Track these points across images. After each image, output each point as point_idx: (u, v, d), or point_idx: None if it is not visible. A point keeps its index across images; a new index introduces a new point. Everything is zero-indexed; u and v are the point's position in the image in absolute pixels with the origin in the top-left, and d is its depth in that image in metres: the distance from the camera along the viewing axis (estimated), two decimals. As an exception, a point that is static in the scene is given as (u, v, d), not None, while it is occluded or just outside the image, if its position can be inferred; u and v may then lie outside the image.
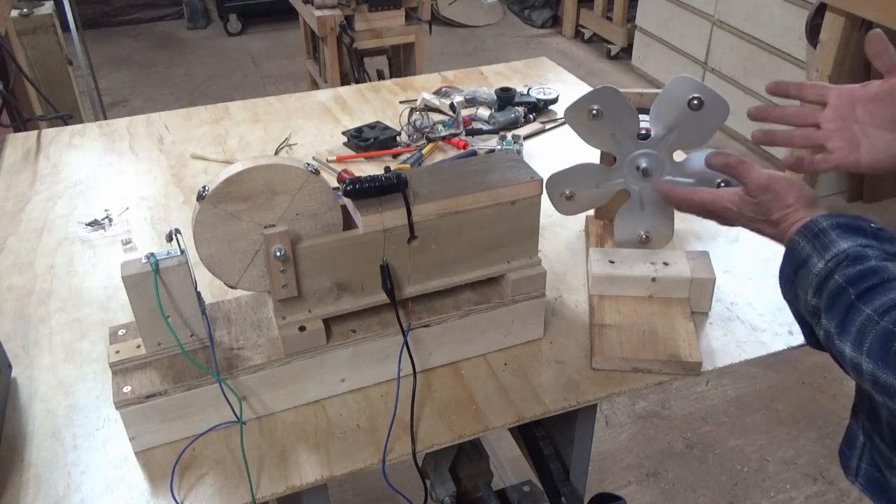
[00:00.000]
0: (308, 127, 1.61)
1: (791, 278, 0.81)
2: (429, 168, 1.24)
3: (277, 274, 0.85)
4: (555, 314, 1.08)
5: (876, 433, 0.90)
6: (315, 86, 3.52)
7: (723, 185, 1.07)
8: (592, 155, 1.16)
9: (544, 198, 0.98)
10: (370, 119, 1.60)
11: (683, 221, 1.23)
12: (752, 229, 0.92)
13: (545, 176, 1.02)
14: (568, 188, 1.14)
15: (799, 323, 0.86)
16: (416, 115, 1.57)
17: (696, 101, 1.01)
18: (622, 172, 1.11)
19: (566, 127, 1.50)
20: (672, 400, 2.35)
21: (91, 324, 1.08)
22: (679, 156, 1.10)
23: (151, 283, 0.81)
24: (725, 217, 0.95)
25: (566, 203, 1.15)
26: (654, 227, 1.15)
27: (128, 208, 1.35)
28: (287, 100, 1.74)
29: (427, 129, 1.53)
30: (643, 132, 1.07)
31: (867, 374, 0.71)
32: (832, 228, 0.78)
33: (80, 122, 2.28)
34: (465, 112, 1.62)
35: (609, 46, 4.75)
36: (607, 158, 1.15)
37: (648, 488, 2.06)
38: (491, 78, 1.83)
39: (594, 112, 1.05)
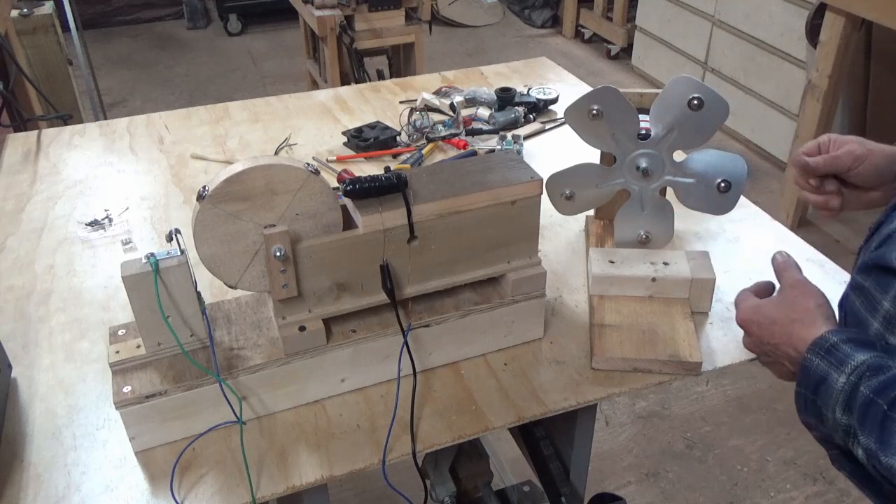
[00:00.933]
0: (308, 127, 1.61)
1: (811, 399, 0.79)
2: (429, 168, 1.24)
3: (277, 274, 0.85)
4: (555, 314, 1.08)
5: None
6: (315, 86, 3.52)
7: (723, 185, 1.07)
8: (592, 155, 1.16)
9: (544, 198, 0.98)
10: (370, 119, 1.60)
11: (684, 221, 1.23)
12: (768, 350, 0.88)
13: (545, 176, 1.02)
14: (568, 188, 1.14)
15: (824, 445, 0.83)
16: (416, 115, 1.57)
17: (696, 101, 1.01)
18: (622, 172, 1.11)
19: (566, 127, 1.50)
20: (672, 400, 2.35)
21: (91, 324, 1.08)
22: (679, 156, 1.11)
23: (151, 283, 0.81)
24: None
25: (566, 203, 1.15)
26: (654, 227, 1.15)
27: (128, 208, 1.35)
28: (287, 100, 1.74)
29: (427, 129, 1.53)
30: (643, 132, 1.07)
31: None
32: (843, 343, 0.77)
33: (80, 122, 2.29)
34: (465, 112, 1.62)
35: (609, 46, 4.76)
36: (607, 158, 1.15)
37: (648, 488, 2.06)
38: (491, 78, 1.83)
39: (594, 112, 1.05)
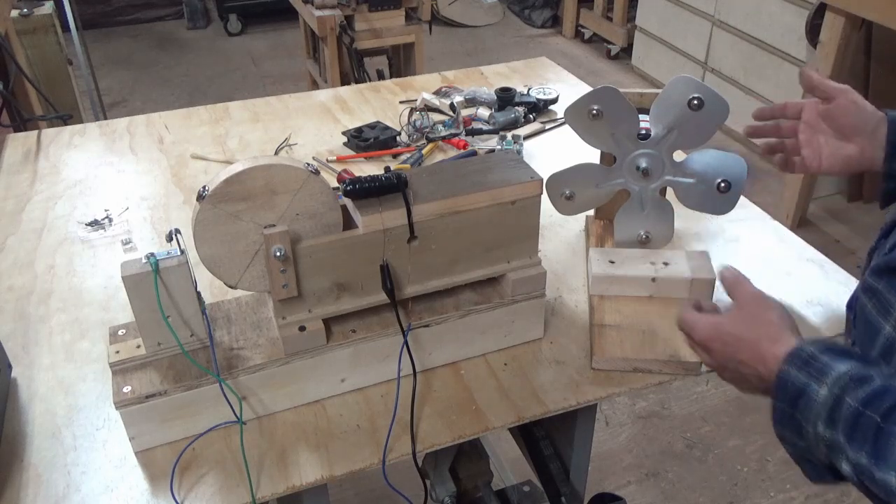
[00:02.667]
0: (308, 127, 1.61)
1: (788, 413, 0.75)
2: (429, 168, 1.24)
3: (277, 274, 0.85)
4: (555, 314, 1.08)
5: None
6: (315, 86, 3.52)
7: (723, 185, 1.07)
8: (592, 155, 1.16)
9: (544, 198, 0.98)
10: (370, 119, 1.60)
11: (684, 221, 1.23)
12: (733, 367, 0.84)
13: (545, 176, 1.02)
14: (568, 188, 1.14)
15: (797, 461, 0.79)
16: (416, 115, 1.57)
17: (696, 101, 1.01)
18: (622, 172, 1.11)
19: (566, 127, 1.50)
20: (672, 400, 2.35)
21: (91, 324, 1.08)
22: (679, 156, 1.10)
23: (151, 283, 0.81)
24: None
25: (566, 203, 1.15)
26: (654, 227, 1.15)
27: (128, 208, 1.35)
28: (287, 100, 1.74)
29: (427, 129, 1.53)
30: (643, 132, 1.07)
31: None
32: (821, 353, 0.74)
33: (80, 122, 2.28)
34: (465, 112, 1.62)
35: (609, 46, 4.75)
36: (607, 158, 1.15)
37: (648, 488, 2.06)
38: (491, 78, 1.83)
39: (594, 112, 1.05)
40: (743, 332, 0.82)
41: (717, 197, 1.09)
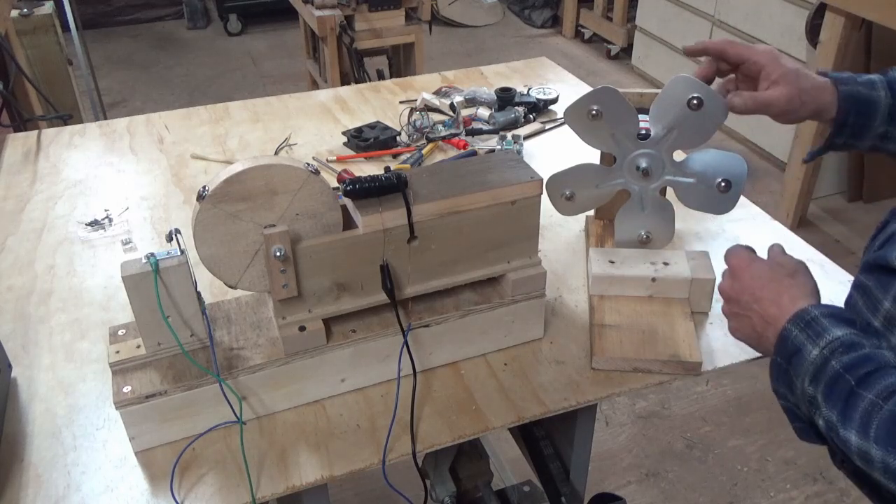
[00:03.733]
0: (308, 127, 1.61)
1: (784, 368, 0.81)
2: (429, 168, 1.24)
3: (277, 274, 0.85)
4: (555, 314, 1.08)
5: None
6: (315, 86, 3.52)
7: (723, 185, 1.07)
8: (592, 155, 1.16)
9: (544, 198, 0.98)
10: (370, 119, 1.60)
11: (684, 221, 1.23)
12: (747, 301, 0.89)
13: (545, 176, 1.02)
14: (568, 188, 1.14)
15: (789, 416, 0.85)
16: (416, 115, 1.57)
17: (695, 101, 1.01)
18: (622, 172, 1.11)
19: (566, 127, 1.50)
20: (672, 400, 2.35)
21: (91, 324, 1.08)
22: (679, 156, 1.10)
23: (151, 283, 0.81)
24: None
25: (566, 203, 1.15)
26: (655, 227, 1.15)
27: (128, 208, 1.35)
28: (287, 100, 1.74)
29: (427, 129, 1.53)
30: (643, 132, 1.07)
31: (877, 462, 0.70)
32: (824, 317, 0.79)
33: (80, 122, 2.29)
34: (465, 112, 1.62)
35: (609, 46, 4.75)
36: (607, 158, 1.15)
37: (648, 488, 2.06)
38: (491, 78, 1.83)
39: (594, 112, 1.05)
40: (775, 277, 0.87)
41: (718, 196, 1.09)
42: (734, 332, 0.92)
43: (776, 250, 0.93)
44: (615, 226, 1.17)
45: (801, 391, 0.79)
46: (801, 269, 0.88)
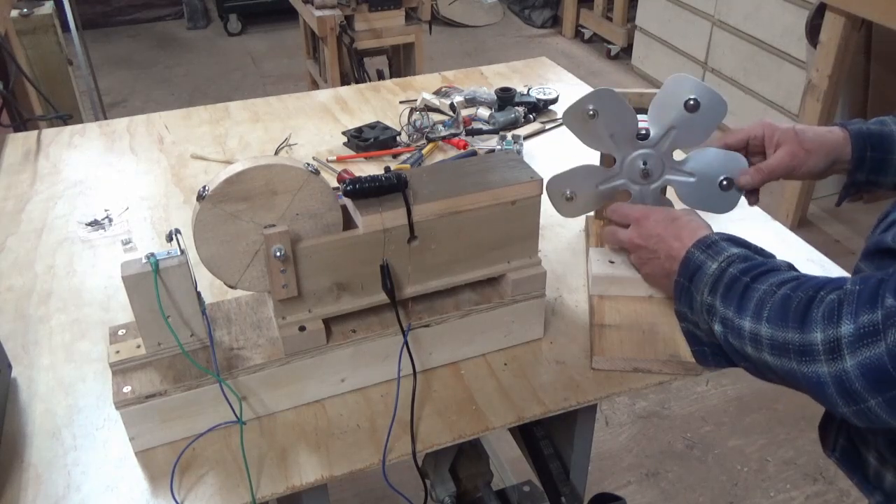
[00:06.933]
0: (308, 127, 1.61)
1: (686, 286, 0.90)
2: (429, 168, 1.24)
3: (277, 274, 0.85)
4: (555, 314, 1.08)
5: None
6: (315, 86, 3.52)
7: (725, 183, 1.07)
8: (593, 155, 1.16)
9: (544, 198, 0.98)
10: (370, 119, 1.60)
11: (683, 221, 1.23)
12: (653, 242, 0.98)
13: (545, 176, 1.02)
14: (569, 189, 1.14)
15: (689, 340, 0.95)
16: (416, 115, 1.57)
17: (692, 101, 1.01)
18: (622, 173, 1.11)
19: (566, 127, 1.50)
20: (672, 400, 2.35)
21: (91, 324, 1.08)
22: (680, 155, 1.10)
23: (151, 283, 0.81)
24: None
25: (567, 204, 1.15)
26: None
27: (128, 208, 1.35)
28: (287, 100, 1.74)
29: (427, 129, 1.53)
30: (642, 132, 1.07)
31: (765, 339, 0.78)
32: (723, 240, 0.90)
33: (80, 122, 2.28)
34: (465, 112, 1.62)
35: (609, 46, 4.76)
36: (607, 159, 1.15)
37: (648, 488, 2.06)
38: (491, 78, 1.83)
39: (591, 113, 1.05)
40: (672, 218, 0.98)
41: (719, 195, 1.09)
42: (647, 277, 1.02)
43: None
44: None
45: (699, 303, 0.87)
46: (692, 213, 0.99)
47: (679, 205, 1.13)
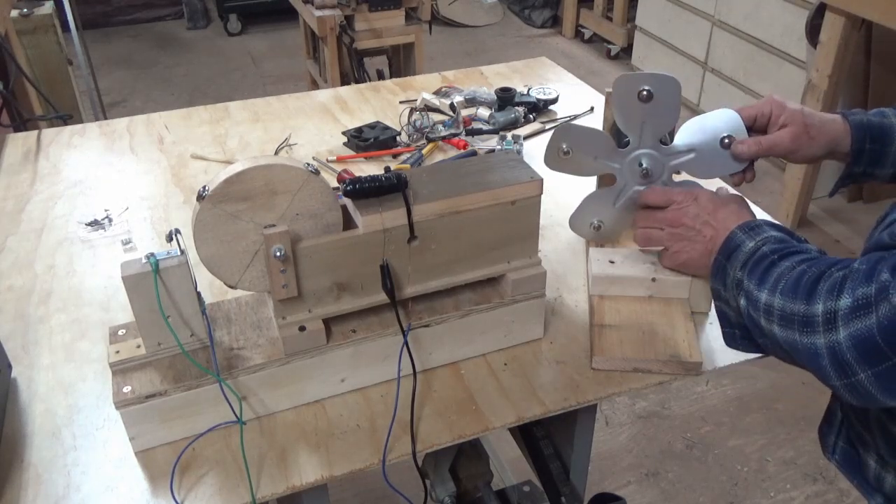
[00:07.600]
0: (308, 127, 1.61)
1: (723, 264, 0.92)
2: (429, 168, 1.24)
3: (277, 274, 0.85)
4: (555, 314, 1.08)
5: (851, 410, 0.95)
6: (315, 86, 3.52)
7: (727, 140, 1.06)
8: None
9: (544, 198, 0.98)
10: (370, 119, 1.60)
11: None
12: (698, 225, 1.00)
13: (545, 176, 1.02)
14: (595, 220, 1.14)
15: (721, 320, 0.95)
16: (416, 115, 1.57)
17: (645, 92, 1.01)
18: (628, 183, 1.10)
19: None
20: (672, 400, 2.35)
21: (91, 324, 1.08)
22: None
23: (151, 283, 0.81)
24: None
25: (601, 233, 1.15)
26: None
27: (128, 208, 1.35)
28: (287, 100, 1.74)
29: (427, 129, 1.53)
30: (626, 140, 1.07)
31: (777, 310, 0.80)
32: (767, 225, 0.92)
33: (80, 122, 2.28)
34: (465, 112, 1.62)
35: (609, 46, 4.76)
36: (607, 178, 1.16)
37: (648, 488, 2.06)
38: (491, 78, 1.83)
39: (565, 151, 1.06)
40: (725, 202, 0.99)
41: (725, 156, 1.07)
42: (675, 255, 1.02)
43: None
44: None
45: (731, 279, 0.89)
46: (742, 200, 1.01)
47: (701, 183, 1.12)
